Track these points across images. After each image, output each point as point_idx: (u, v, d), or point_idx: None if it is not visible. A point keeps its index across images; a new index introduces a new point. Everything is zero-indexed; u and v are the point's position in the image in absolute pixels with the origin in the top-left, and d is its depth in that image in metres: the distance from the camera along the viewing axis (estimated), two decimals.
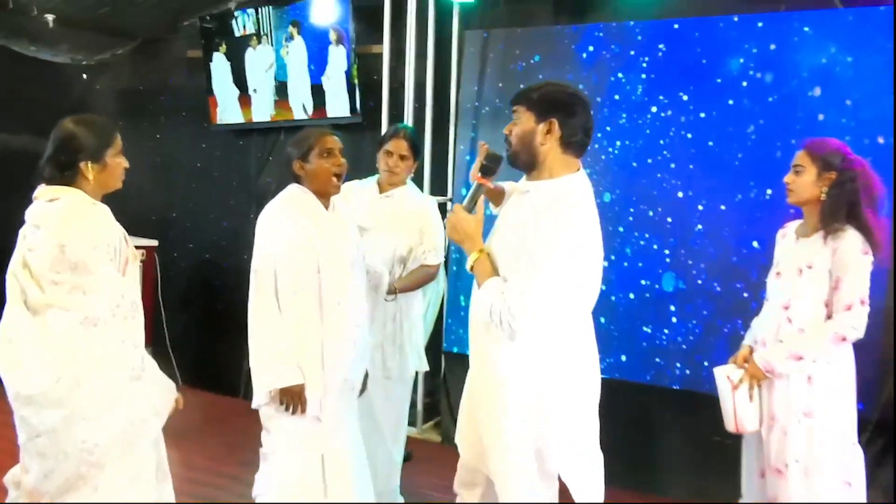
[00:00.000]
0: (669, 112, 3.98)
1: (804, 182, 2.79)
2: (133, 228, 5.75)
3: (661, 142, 3.99)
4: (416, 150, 3.66)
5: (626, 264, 4.07)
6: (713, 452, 3.68)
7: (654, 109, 4.02)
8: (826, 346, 2.72)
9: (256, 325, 2.84)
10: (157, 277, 5.49)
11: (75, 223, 2.40)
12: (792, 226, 2.95)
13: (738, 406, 2.83)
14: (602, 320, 4.06)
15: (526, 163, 2.41)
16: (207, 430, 4.75)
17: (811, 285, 2.75)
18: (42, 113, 5.99)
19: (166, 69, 6.00)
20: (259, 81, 5.37)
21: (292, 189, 2.93)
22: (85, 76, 6.29)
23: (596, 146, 4.09)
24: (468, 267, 2.40)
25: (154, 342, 5.54)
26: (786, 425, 2.76)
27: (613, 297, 4.07)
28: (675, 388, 3.94)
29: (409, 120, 4.74)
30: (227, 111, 5.55)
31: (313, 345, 2.82)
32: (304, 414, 2.79)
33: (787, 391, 2.77)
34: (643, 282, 4.03)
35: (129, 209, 6.07)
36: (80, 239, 2.38)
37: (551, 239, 2.26)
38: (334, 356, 2.84)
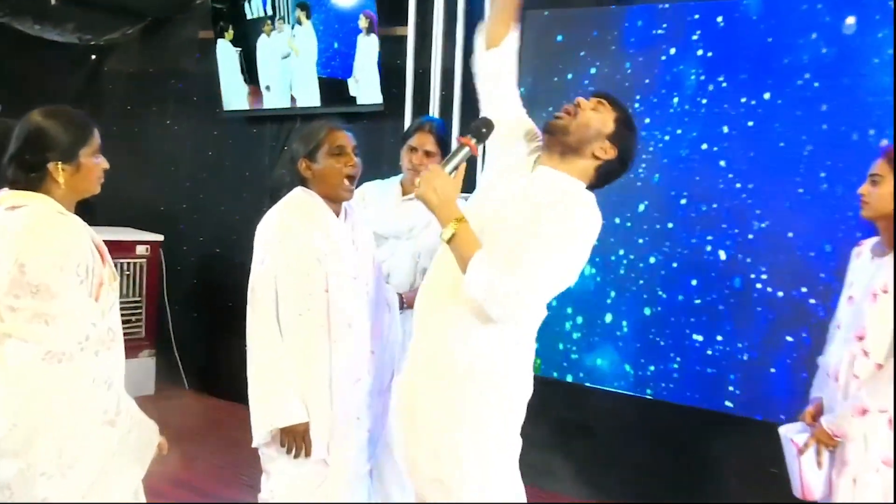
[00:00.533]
0: (727, 97, 3.57)
1: (882, 194, 2.43)
2: (139, 220, 5.66)
3: (718, 130, 3.59)
4: (444, 145, 3.30)
5: (675, 265, 3.69)
6: (769, 485, 3.28)
7: (710, 89, 3.61)
8: None
9: (254, 353, 2.47)
10: (162, 275, 5.17)
11: (39, 238, 2.00)
12: (868, 243, 2.58)
13: (804, 472, 2.52)
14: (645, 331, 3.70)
15: (569, 146, 2.18)
16: (213, 436, 4.50)
17: (888, 312, 2.38)
18: (48, 97, 5.80)
19: (177, 51, 5.69)
20: (273, 76, 4.94)
21: (297, 193, 2.54)
22: (94, 57, 5.97)
23: (643, 133, 3.71)
24: (444, 237, 2.10)
25: (158, 344, 5.24)
26: (859, 473, 2.41)
27: (659, 302, 3.70)
28: (727, 412, 3.57)
29: (435, 109, 4.39)
30: (236, 100, 5.19)
31: (320, 376, 2.44)
32: (309, 457, 2.43)
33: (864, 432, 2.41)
34: (693, 282, 3.65)
35: (135, 200, 5.95)
36: (44, 257, 1.98)
37: (570, 229, 2.11)
38: (344, 390, 2.47)
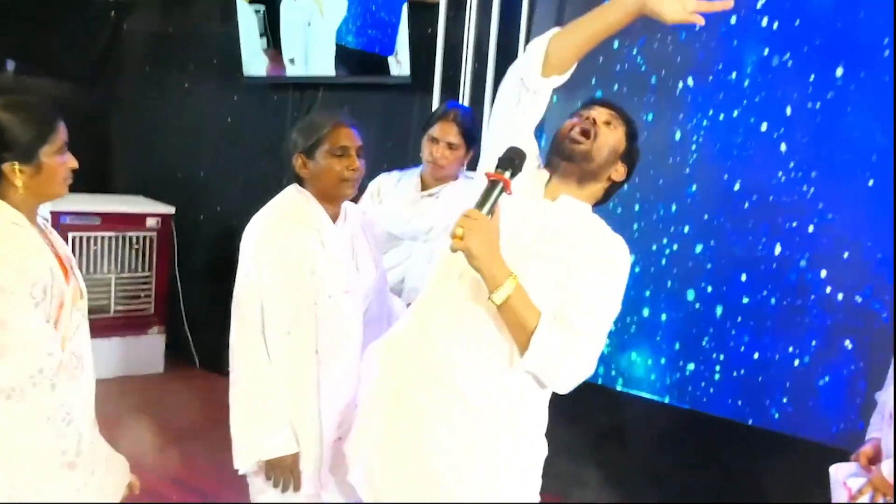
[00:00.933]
0: (793, 75, 3.22)
1: None
2: (153, 189, 5.46)
3: (779, 112, 3.24)
4: (471, 136, 3.01)
5: (723, 258, 3.38)
6: None
7: (774, 65, 3.26)
8: None
9: (239, 375, 2.23)
10: (173, 249, 4.93)
11: None
12: None
13: None
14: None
15: (589, 172, 1.97)
16: (222, 421, 4.25)
17: None
18: (66, 56, 5.63)
19: (199, 12, 5.45)
20: (296, 47, 4.62)
21: (289, 192, 2.31)
22: (113, 14, 5.74)
23: (680, 115, 3.43)
24: (496, 300, 1.80)
25: (168, 321, 5.02)
26: None
27: (699, 305, 3.40)
28: (774, 429, 3.26)
29: (466, 84, 4.09)
30: (256, 66, 4.91)
31: (310, 402, 2.20)
32: (299, 491, 2.19)
33: None
34: (742, 277, 3.34)
35: (150, 166, 5.75)
36: None
37: (621, 278, 1.94)
38: (334, 417, 2.22)
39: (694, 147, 3.43)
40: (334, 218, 2.31)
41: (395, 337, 2.04)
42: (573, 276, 1.87)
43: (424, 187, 3.04)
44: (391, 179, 3.16)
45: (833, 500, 2.35)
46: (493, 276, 1.79)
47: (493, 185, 1.81)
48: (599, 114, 1.98)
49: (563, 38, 1.91)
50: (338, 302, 2.24)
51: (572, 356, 1.84)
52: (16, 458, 1.76)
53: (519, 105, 1.94)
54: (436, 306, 1.97)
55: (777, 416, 3.24)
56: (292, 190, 2.31)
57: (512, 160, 1.83)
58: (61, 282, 1.85)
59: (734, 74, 3.36)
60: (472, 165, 3.02)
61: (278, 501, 2.21)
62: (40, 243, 1.85)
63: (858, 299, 3.07)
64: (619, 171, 2.00)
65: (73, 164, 1.91)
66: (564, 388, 1.90)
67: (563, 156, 1.95)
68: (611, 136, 1.97)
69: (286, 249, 2.20)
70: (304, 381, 2.21)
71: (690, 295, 3.46)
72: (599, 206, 2.07)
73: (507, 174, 1.81)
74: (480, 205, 1.80)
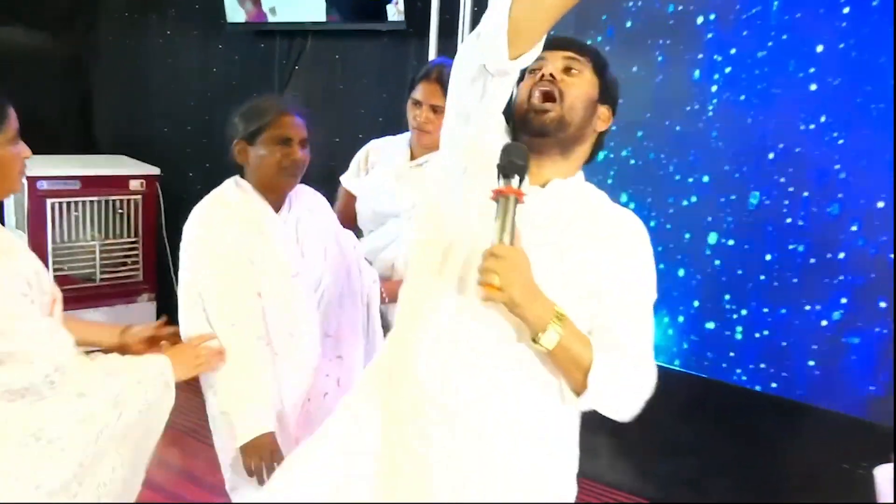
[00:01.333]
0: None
1: None
2: (137, 147, 5.18)
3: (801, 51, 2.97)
4: None
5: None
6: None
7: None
8: None
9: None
10: (160, 212, 4.68)
11: None
12: None
13: None
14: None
15: (570, 139, 1.67)
16: None
17: None
18: (35, 5, 5.33)
19: None
20: None
21: (227, 185, 2.26)
22: None
23: (699, 55, 3.14)
24: (546, 344, 1.52)
25: (160, 289, 4.82)
26: None
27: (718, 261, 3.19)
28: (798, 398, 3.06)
29: (466, 28, 3.76)
30: (239, 9, 4.59)
31: (264, 391, 2.12)
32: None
33: None
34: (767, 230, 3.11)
35: (133, 123, 5.47)
36: None
37: (651, 266, 1.69)
38: (302, 410, 2.20)
39: (714, 89, 3.17)
40: (277, 207, 2.24)
41: (388, 367, 1.74)
42: (601, 281, 1.61)
43: (413, 157, 2.80)
44: (380, 147, 2.91)
45: (880, 501, 2.18)
46: (539, 316, 1.51)
47: (505, 202, 1.49)
48: (554, 62, 1.65)
49: (525, 5, 1.48)
50: (283, 290, 2.19)
51: (633, 383, 1.61)
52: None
53: (484, 97, 1.59)
54: (438, 329, 1.63)
55: (802, 382, 3.05)
56: (230, 183, 2.26)
57: (515, 164, 1.51)
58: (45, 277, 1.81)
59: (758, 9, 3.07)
60: None
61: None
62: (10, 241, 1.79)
63: (893, 256, 2.85)
64: (603, 118, 1.71)
65: (27, 153, 1.78)
66: (628, 417, 1.64)
67: (532, 132, 1.63)
68: (579, 85, 1.65)
69: (220, 244, 2.15)
70: (257, 375, 2.12)
71: (709, 250, 3.25)
72: (590, 162, 1.77)
73: (516, 182, 1.50)
74: (500, 233, 1.48)
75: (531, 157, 1.56)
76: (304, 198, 2.34)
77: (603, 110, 1.70)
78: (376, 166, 2.88)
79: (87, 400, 1.75)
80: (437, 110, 2.66)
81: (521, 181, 1.50)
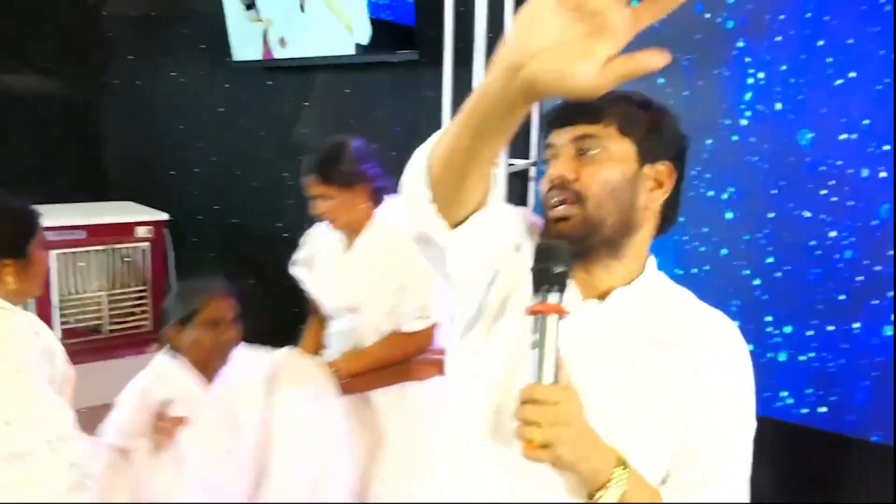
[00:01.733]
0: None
1: None
2: (145, 191, 5.03)
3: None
4: (337, 175, 2.58)
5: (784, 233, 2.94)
6: None
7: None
8: None
9: None
10: (169, 257, 4.52)
11: None
12: None
13: None
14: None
15: (611, 241, 1.31)
16: None
17: None
18: (39, 45, 5.22)
19: None
20: (287, 25, 4.16)
21: (159, 359, 2.43)
22: None
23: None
24: (608, 500, 1.18)
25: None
26: None
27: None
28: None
29: (480, 56, 3.56)
30: (246, 47, 4.45)
31: None
32: None
33: None
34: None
35: (139, 165, 5.33)
36: None
37: (749, 385, 1.38)
38: None
39: (749, 97, 2.97)
40: (210, 378, 2.37)
41: None
42: (683, 401, 1.29)
43: (345, 247, 2.70)
44: (318, 234, 2.81)
45: None
46: (596, 470, 1.18)
47: (542, 325, 1.12)
48: (563, 149, 1.30)
49: (438, 163, 1.13)
50: (212, 466, 2.30)
51: None
52: None
53: (455, 261, 1.26)
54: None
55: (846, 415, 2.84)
56: (161, 355, 2.42)
57: (551, 272, 1.13)
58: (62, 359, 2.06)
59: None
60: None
61: None
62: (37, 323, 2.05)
63: None
64: (659, 181, 1.33)
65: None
66: None
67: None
68: (600, 170, 1.27)
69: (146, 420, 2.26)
70: None
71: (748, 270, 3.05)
72: (661, 235, 1.42)
73: (556, 297, 1.14)
74: (539, 366, 1.12)
75: (576, 264, 1.26)
76: (239, 362, 2.46)
77: (657, 170, 1.33)
78: (313, 247, 2.81)
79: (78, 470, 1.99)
80: (324, 197, 2.57)
81: (561, 291, 1.14)
